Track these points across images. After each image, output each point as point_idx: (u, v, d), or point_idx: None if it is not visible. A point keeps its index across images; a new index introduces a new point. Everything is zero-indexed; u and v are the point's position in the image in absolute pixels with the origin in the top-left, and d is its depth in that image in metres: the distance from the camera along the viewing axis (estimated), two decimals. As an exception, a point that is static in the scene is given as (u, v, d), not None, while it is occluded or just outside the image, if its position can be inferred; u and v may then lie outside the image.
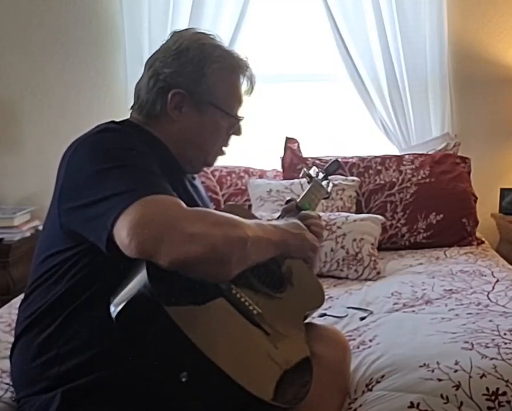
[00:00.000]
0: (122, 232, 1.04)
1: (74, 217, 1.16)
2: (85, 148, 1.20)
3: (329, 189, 1.74)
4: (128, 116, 1.42)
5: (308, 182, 1.71)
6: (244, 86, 1.42)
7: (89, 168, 1.15)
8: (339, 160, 1.83)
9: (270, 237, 1.21)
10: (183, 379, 0.95)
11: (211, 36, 1.40)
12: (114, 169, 1.13)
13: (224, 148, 1.45)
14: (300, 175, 1.76)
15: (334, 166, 1.79)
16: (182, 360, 0.97)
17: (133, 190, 1.08)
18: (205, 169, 1.50)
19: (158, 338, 0.99)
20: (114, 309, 1.01)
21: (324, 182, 1.73)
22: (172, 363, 0.97)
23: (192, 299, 1.06)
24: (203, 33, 1.40)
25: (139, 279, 1.01)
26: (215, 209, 1.53)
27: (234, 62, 1.38)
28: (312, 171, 1.75)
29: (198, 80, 1.34)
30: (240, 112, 1.43)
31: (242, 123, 1.43)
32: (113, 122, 1.32)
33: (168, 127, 1.35)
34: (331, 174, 1.78)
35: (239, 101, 1.42)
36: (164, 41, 1.42)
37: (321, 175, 1.75)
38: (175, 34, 1.41)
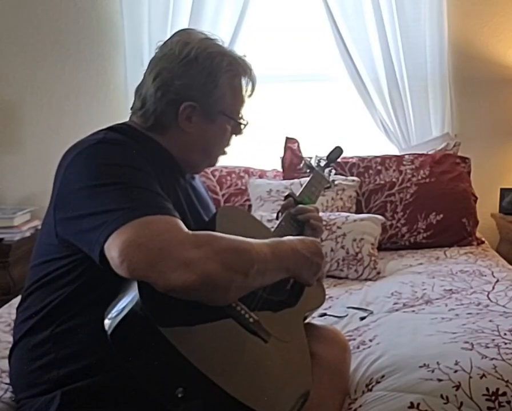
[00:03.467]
0: (113, 251, 1.02)
1: (68, 228, 1.16)
2: (82, 161, 1.18)
3: (331, 178, 1.68)
4: (127, 117, 1.42)
5: (309, 174, 1.66)
6: (247, 88, 1.41)
7: (85, 182, 1.14)
8: (340, 146, 1.74)
9: (282, 261, 1.17)
10: (179, 395, 0.95)
11: (216, 42, 1.38)
12: (111, 185, 1.11)
13: (226, 148, 1.44)
14: (301, 165, 1.71)
15: (337, 153, 1.73)
16: (178, 376, 0.97)
17: (129, 209, 1.06)
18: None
19: (153, 354, 0.98)
20: (109, 326, 1.01)
21: (326, 171, 1.68)
22: (168, 378, 0.97)
23: (186, 317, 1.04)
24: (209, 38, 1.38)
25: (132, 296, 1.01)
26: (215, 209, 1.52)
27: (240, 68, 1.38)
28: (313, 160, 1.70)
29: (209, 92, 1.33)
30: (243, 114, 1.43)
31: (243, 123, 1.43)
32: (112, 128, 1.30)
33: (176, 136, 1.34)
34: (333, 162, 1.72)
35: (242, 104, 1.42)
36: (163, 42, 1.39)
37: (323, 163, 1.70)
38: (179, 38, 1.37)
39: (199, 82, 1.32)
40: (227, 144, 1.44)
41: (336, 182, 1.77)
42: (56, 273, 1.20)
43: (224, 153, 1.45)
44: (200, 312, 1.05)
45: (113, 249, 1.02)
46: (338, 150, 1.73)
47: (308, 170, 1.68)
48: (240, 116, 1.42)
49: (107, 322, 1.01)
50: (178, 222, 1.09)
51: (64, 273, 1.19)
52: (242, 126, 1.42)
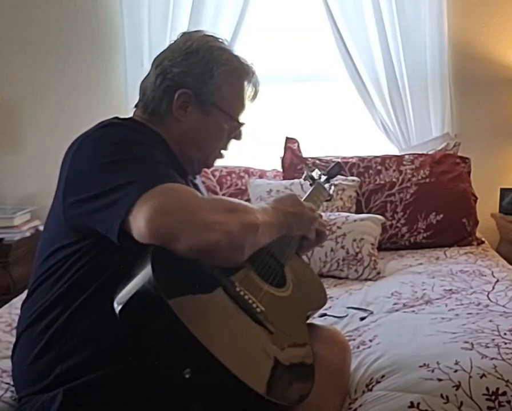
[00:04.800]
0: (140, 219, 1.05)
1: (81, 210, 1.16)
2: (91, 143, 1.21)
3: (331, 192, 1.74)
4: (130, 115, 1.43)
5: (311, 185, 1.71)
6: (248, 92, 1.43)
7: (96, 161, 1.16)
8: (340, 162, 1.84)
9: (273, 221, 1.25)
10: (187, 376, 0.94)
11: (220, 40, 1.41)
12: (123, 161, 1.14)
13: (223, 151, 1.45)
14: (303, 177, 1.77)
15: (336, 170, 1.80)
16: (186, 356, 0.97)
17: (148, 178, 1.09)
18: (205, 169, 1.51)
19: (161, 334, 0.98)
20: (117, 305, 1.01)
21: (326, 185, 1.73)
22: (176, 359, 0.97)
23: (195, 291, 1.07)
24: (213, 36, 1.41)
25: (143, 275, 1.01)
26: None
27: (240, 67, 1.40)
28: (315, 173, 1.75)
29: (205, 81, 1.35)
30: (242, 117, 1.43)
31: (243, 128, 1.44)
32: (117, 118, 1.32)
33: (172, 126, 1.36)
34: (332, 177, 1.79)
35: (242, 106, 1.43)
36: (173, 42, 1.43)
37: (323, 178, 1.75)
38: (185, 35, 1.42)
39: (196, 71, 1.35)
40: (224, 147, 1.44)
41: (336, 182, 1.81)
42: (62, 263, 1.20)
43: (220, 155, 1.45)
44: (209, 286, 1.09)
45: (139, 217, 1.05)
46: (337, 167, 1.80)
47: (310, 183, 1.73)
48: (239, 117, 1.42)
49: (116, 302, 1.01)
50: (193, 189, 1.14)
51: (70, 263, 1.19)
52: (239, 126, 1.42)
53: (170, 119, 1.36)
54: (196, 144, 1.39)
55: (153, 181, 1.09)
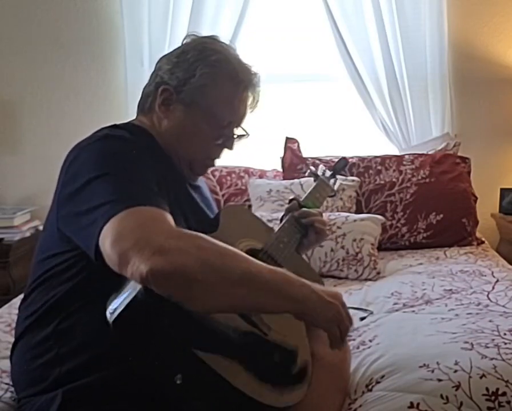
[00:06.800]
0: (106, 243, 1.03)
1: (69, 225, 1.17)
2: (84, 157, 1.19)
3: (336, 187, 1.72)
4: (129, 116, 1.43)
5: (315, 181, 1.69)
6: (243, 98, 1.38)
7: (84, 176, 1.14)
8: (346, 157, 1.82)
9: (283, 285, 1.06)
10: (178, 382, 0.95)
11: (222, 44, 1.38)
12: (105, 176, 1.12)
13: (214, 159, 1.41)
14: (307, 174, 1.76)
15: (342, 164, 1.78)
16: (177, 362, 0.97)
17: (115, 201, 1.06)
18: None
19: (155, 341, 0.99)
20: (110, 316, 1.01)
21: (331, 181, 1.71)
22: (167, 365, 0.97)
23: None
24: (215, 39, 1.39)
25: (134, 285, 1.01)
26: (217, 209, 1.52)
27: (232, 71, 1.35)
28: (319, 170, 1.73)
29: (186, 80, 1.33)
30: (233, 126, 1.38)
31: (234, 139, 1.39)
32: (116, 126, 1.31)
33: (158, 123, 1.35)
34: (338, 172, 1.76)
35: (230, 111, 1.36)
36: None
37: (328, 173, 1.73)
38: (189, 36, 1.41)
39: (181, 68, 1.34)
40: (215, 155, 1.40)
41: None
42: (58, 269, 1.20)
43: (210, 163, 1.41)
44: None
45: (105, 241, 1.03)
46: (342, 162, 1.79)
47: (314, 179, 1.71)
48: (226, 123, 1.36)
49: (108, 313, 1.02)
50: (164, 214, 1.07)
51: (66, 268, 1.19)
52: (223, 130, 1.37)
53: (155, 116, 1.35)
54: (180, 144, 1.35)
55: (120, 204, 1.05)
